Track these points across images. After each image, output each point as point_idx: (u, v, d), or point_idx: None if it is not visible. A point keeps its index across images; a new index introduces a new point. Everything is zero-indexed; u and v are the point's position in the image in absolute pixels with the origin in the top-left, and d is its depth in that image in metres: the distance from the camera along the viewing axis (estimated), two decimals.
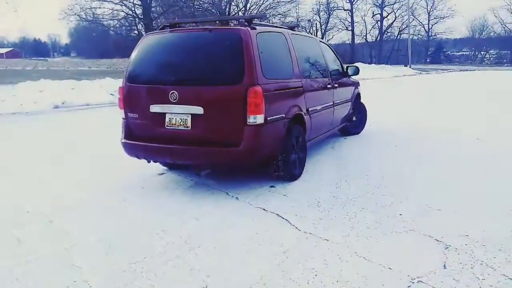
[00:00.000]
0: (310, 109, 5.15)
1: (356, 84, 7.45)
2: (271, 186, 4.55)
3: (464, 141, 6.79)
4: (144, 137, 4.49)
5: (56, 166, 5.64)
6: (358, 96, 7.53)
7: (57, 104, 13.28)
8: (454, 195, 4.16)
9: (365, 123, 7.65)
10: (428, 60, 67.38)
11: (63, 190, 4.59)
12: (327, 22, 59.13)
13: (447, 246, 3.05)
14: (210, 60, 4.21)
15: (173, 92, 4.18)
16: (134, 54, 4.65)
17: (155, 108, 4.33)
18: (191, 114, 4.16)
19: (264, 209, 3.87)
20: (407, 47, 44.81)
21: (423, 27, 65.74)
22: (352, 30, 60.66)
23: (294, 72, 4.90)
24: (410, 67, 40.24)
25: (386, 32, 63.55)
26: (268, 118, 4.12)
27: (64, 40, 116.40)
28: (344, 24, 60.79)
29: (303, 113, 4.90)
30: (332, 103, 6.04)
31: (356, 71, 6.80)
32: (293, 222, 3.56)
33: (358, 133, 7.51)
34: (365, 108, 7.65)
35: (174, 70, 4.34)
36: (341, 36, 69.04)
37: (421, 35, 66.58)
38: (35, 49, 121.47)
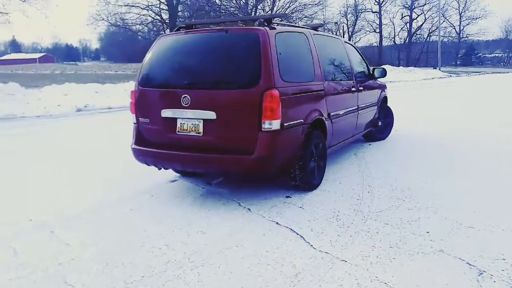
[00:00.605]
0: (332, 114, 4.83)
1: (382, 87, 7.07)
2: (287, 197, 4.25)
3: (500, 149, 6.31)
4: (154, 143, 4.27)
5: (63, 171, 5.49)
6: (384, 99, 7.15)
7: (80, 107, 13.33)
8: (488, 211, 3.76)
9: (391, 128, 7.25)
10: (458, 63, 65.63)
11: (69, 197, 4.41)
12: (355, 25, 58.44)
13: (480, 272, 2.69)
14: (224, 62, 3.96)
15: (185, 96, 3.94)
16: (147, 57, 4.44)
17: (166, 113, 4.10)
18: (203, 120, 3.91)
19: (277, 223, 3.57)
20: (436, 49, 43.63)
21: (454, 28, 64.19)
22: (380, 32, 59.72)
23: (316, 74, 4.59)
24: (439, 69, 39.17)
25: (415, 34, 62.33)
26: (285, 124, 3.83)
27: (94, 45, 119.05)
28: (371, 26, 59.99)
29: (324, 118, 4.59)
30: (356, 107, 5.70)
31: (383, 73, 6.42)
32: (308, 238, 3.25)
33: (383, 138, 7.12)
34: (392, 112, 7.25)
35: (186, 73, 4.11)
36: (368, 39, 68.17)
37: (452, 36, 64.99)
38: (66, 54, 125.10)
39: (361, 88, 5.90)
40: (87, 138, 8.03)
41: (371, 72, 6.46)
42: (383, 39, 60.63)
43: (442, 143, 6.76)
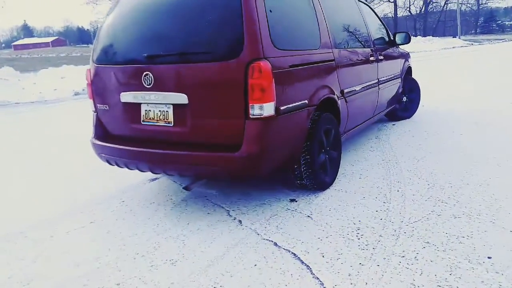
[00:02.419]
0: (346, 91, 3.80)
1: (406, 56, 5.96)
2: (291, 200, 3.27)
3: None
4: (117, 136, 3.32)
5: (24, 170, 4.59)
6: (409, 70, 6.04)
7: (77, 91, 12.48)
8: None
9: (418, 104, 6.15)
10: (478, 31, 62.95)
11: (17, 208, 3.51)
12: None
13: None
14: (195, 25, 2.90)
15: (147, 74, 2.95)
16: (105, 22, 3.45)
17: (126, 97, 3.13)
18: (173, 105, 2.93)
19: (275, 244, 2.60)
20: (453, 18, 41.59)
21: None
22: (395, 2, 57.25)
23: (323, 39, 3.54)
24: (459, 38, 37.21)
25: (431, 3, 59.75)
26: (282, 108, 2.82)
27: None
28: None
29: (336, 96, 3.56)
30: (376, 80, 4.63)
31: (406, 39, 5.32)
32: (317, 270, 2.28)
33: (409, 117, 6.05)
34: (418, 86, 6.13)
35: (147, 42, 3.08)
36: (383, 9, 65.50)
37: (470, 3, 62.07)
38: (79, 37, 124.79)
39: (381, 57, 4.82)
40: (71, 126, 7.13)
41: (392, 38, 5.36)
42: (398, 9, 58.20)
43: (479, 120, 5.65)
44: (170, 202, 3.40)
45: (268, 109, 2.70)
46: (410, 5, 60.36)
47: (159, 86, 2.92)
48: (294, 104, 2.96)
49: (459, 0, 44.42)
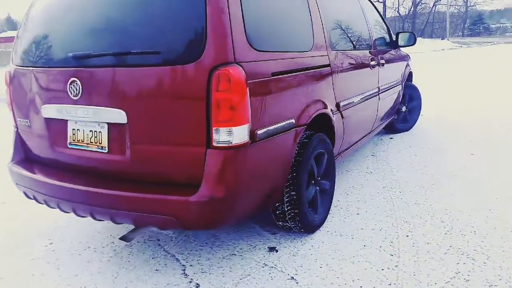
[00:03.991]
0: (342, 104, 3.03)
1: (406, 59, 5.21)
2: (270, 249, 2.49)
3: None
4: (40, 161, 2.49)
5: None
6: (409, 76, 5.31)
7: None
8: None
9: (418, 115, 5.41)
10: (466, 33, 63.02)
11: None
12: None
13: None
14: (141, 15, 2.08)
15: (74, 81, 2.13)
16: (29, 14, 2.60)
17: (48, 111, 2.30)
18: (108, 124, 2.11)
19: None
20: (441, 20, 41.20)
21: None
22: (384, 2, 56.81)
23: (316, 39, 2.75)
24: (448, 40, 36.86)
25: (420, 4, 59.54)
26: (260, 132, 2.03)
27: None
28: None
29: (330, 111, 2.79)
30: (377, 89, 3.88)
31: (411, 40, 4.56)
32: None
33: (407, 129, 5.31)
34: (419, 93, 5.37)
35: (77, 39, 2.24)
36: None
37: (458, 5, 62.00)
38: None
39: (382, 61, 4.06)
40: None
41: (394, 39, 4.60)
42: (386, 10, 57.77)
43: (490, 136, 4.94)
44: (110, 248, 2.58)
45: (239, 134, 1.90)
46: (399, 6, 60.01)
47: (88, 97, 2.10)
48: (277, 126, 2.17)
49: (448, 1, 44.10)
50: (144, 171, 2.06)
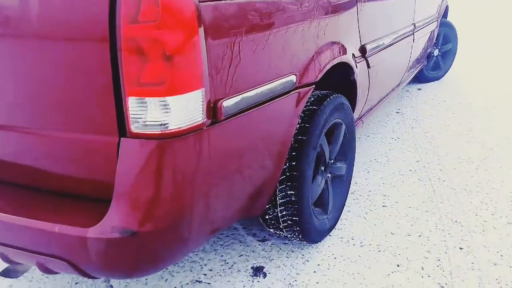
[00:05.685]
0: (370, 47, 2.05)
1: None
2: (255, 271, 1.64)
3: None
4: None
5: None
6: (445, 10, 4.22)
7: None
8: None
9: (452, 61, 4.36)
10: None
11: None
12: None
13: None
14: None
15: None
16: None
17: None
18: None
19: None
20: None
21: None
22: None
23: None
24: None
25: None
26: (228, 103, 1.09)
27: None
28: None
29: (352, 58, 1.82)
30: (412, 26, 2.85)
31: None
32: None
33: (438, 78, 4.30)
34: (456, 33, 4.30)
35: None
36: None
37: None
38: None
39: None
40: None
41: None
42: None
43: None
44: None
45: (185, 109, 0.97)
46: None
47: None
48: (263, 88, 1.23)
49: None
50: (18, 174, 1.15)
